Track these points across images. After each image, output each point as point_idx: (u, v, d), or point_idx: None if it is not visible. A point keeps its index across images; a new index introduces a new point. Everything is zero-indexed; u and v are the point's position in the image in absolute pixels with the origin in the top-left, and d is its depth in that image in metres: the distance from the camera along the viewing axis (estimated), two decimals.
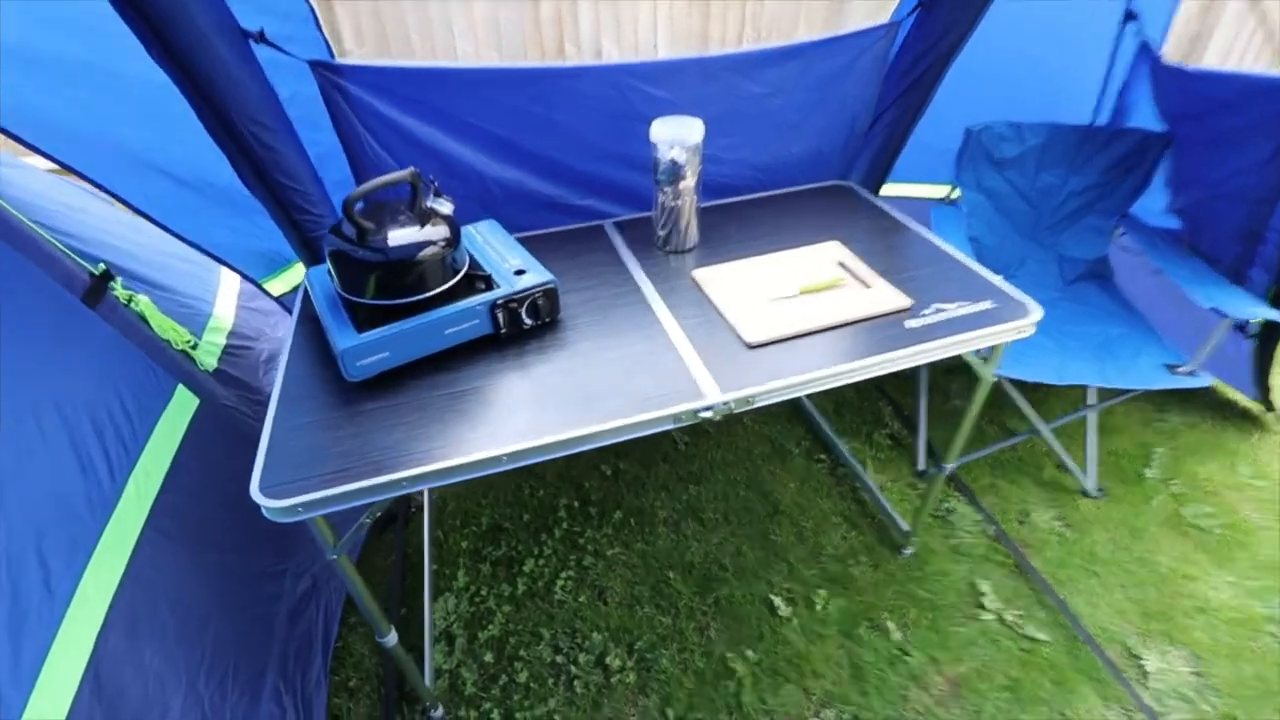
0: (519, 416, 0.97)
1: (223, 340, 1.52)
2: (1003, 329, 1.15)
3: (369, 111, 1.27)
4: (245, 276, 1.54)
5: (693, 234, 1.39)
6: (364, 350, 0.99)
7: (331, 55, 1.21)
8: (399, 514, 1.76)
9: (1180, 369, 1.56)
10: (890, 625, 1.51)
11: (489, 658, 1.45)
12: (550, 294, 1.13)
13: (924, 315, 1.17)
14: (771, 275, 1.27)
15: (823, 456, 1.92)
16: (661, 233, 1.38)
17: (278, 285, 1.63)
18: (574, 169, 1.46)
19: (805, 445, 1.95)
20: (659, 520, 1.73)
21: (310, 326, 1.18)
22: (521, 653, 1.45)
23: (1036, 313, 1.17)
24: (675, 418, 0.99)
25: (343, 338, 1.00)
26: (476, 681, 1.41)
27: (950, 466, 1.47)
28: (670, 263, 1.36)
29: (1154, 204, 1.80)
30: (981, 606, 1.56)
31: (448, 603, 1.55)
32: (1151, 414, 2.08)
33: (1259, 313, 1.45)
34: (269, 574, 1.35)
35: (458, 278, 1.08)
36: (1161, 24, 1.64)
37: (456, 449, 0.92)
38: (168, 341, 1.32)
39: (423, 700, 1.35)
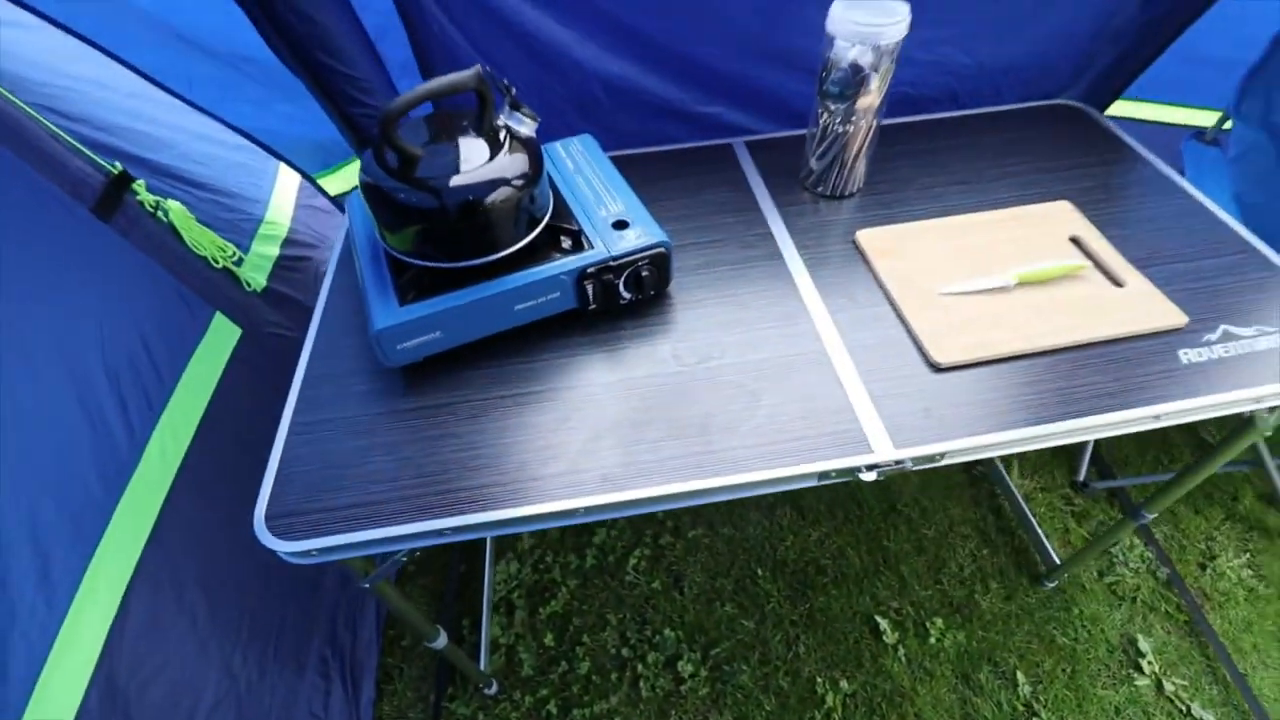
0: (606, 447, 0.71)
1: (275, 251, 1.31)
2: None
3: None
4: (294, 166, 1.30)
5: (860, 174, 1.00)
6: (407, 331, 0.74)
7: None
8: None
9: None
10: (1019, 675, 1.25)
11: (549, 639, 1.31)
12: (659, 260, 0.81)
13: (1206, 343, 0.79)
14: (971, 249, 0.90)
15: None
16: (816, 165, 1.00)
17: (335, 182, 1.38)
18: (705, 63, 1.07)
19: None
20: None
21: (348, 274, 0.93)
22: (585, 638, 1.31)
23: None
24: (819, 475, 0.70)
25: (381, 311, 0.74)
26: (534, 664, 1.28)
27: (1150, 516, 1.12)
28: (823, 211, 1.00)
29: None
30: (1137, 668, 1.27)
31: (511, 565, 1.41)
32: None
33: None
34: None
35: (536, 231, 0.79)
36: None
37: (522, 491, 0.67)
38: (206, 259, 1.12)
39: (474, 680, 1.24)
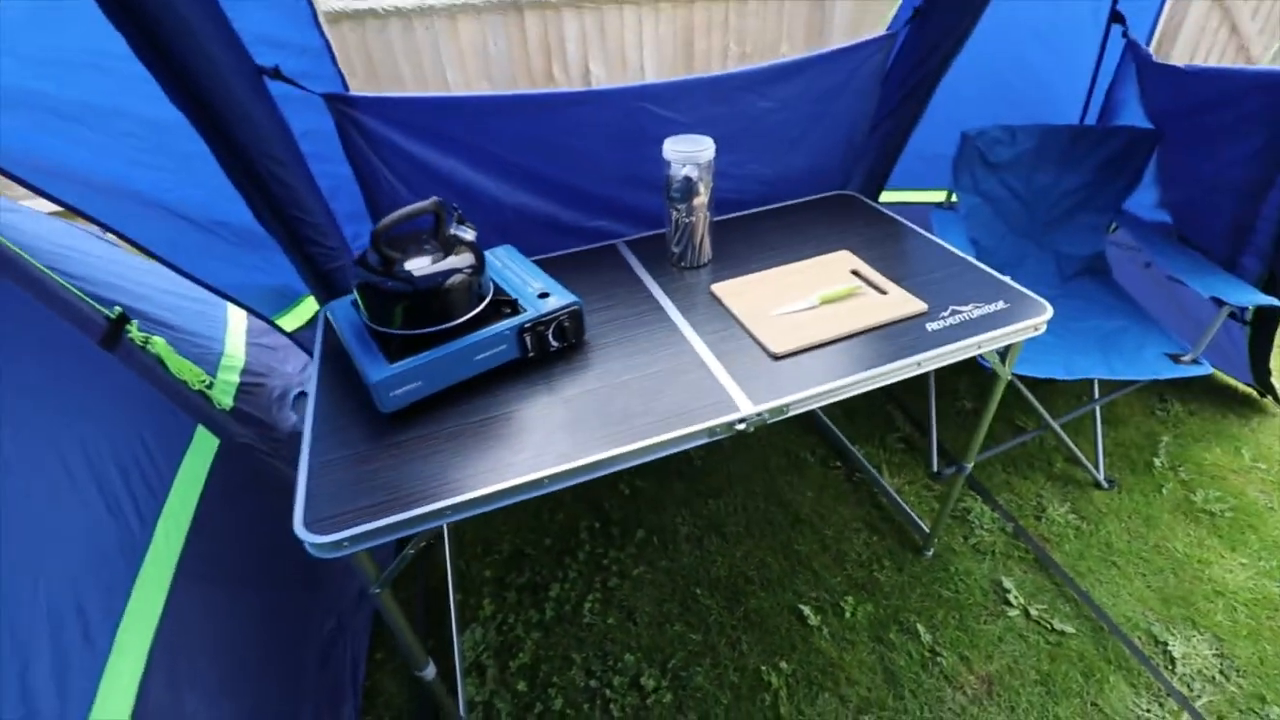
0: (557, 439, 0.98)
1: (236, 378, 1.51)
2: (1018, 328, 1.17)
3: (384, 143, 1.27)
4: (257, 314, 1.53)
5: (706, 249, 1.40)
6: (397, 381, 0.99)
7: (345, 88, 1.22)
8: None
9: (1183, 358, 1.59)
10: (920, 628, 1.51)
11: (522, 686, 1.43)
12: (576, 315, 1.13)
13: (942, 318, 1.19)
14: (788, 286, 1.29)
15: (838, 464, 1.93)
16: (676, 249, 1.39)
17: (290, 320, 1.62)
18: (587, 191, 1.47)
19: (820, 453, 1.96)
20: (681, 537, 1.73)
21: (334, 362, 1.17)
22: (554, 679, 1.44)
23: (1047, 311, 1.20)
24: (710, 431, 1.00)
25: (375, 370, 1.00)
26: (511, 711, 1.39)
27: (969, 466, 1.48)
28: (686, 279, 1.37)
29: (1145, 199, 1.85)
30: (1007, 603, 1.57)
31: (475, 633, 1.54)
32: (1154, 404, 2.12)
33: (1257, 299, 1.49)
34: (296, 615, 1.33)
35: (484, 303, 1.09)
36: (1147, 25, 1.70)
37: (498, 474, 0.92)
38: (185, 382, 1.31)
39: None
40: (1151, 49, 1.70)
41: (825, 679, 1.43)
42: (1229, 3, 4.13)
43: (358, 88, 3.08)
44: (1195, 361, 1.58)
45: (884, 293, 1.26)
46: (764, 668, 1.45)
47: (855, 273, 1.33)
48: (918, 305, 1.21)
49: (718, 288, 1.30)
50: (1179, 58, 4.31)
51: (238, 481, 1.29)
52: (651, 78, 3.51)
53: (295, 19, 1.18)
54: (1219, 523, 1.75)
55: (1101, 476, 1.84)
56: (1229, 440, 2.01)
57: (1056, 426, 1.79)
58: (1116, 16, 1.66)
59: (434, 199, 1.04)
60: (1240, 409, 2.12)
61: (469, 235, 1.10)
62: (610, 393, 1.06)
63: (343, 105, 1.21)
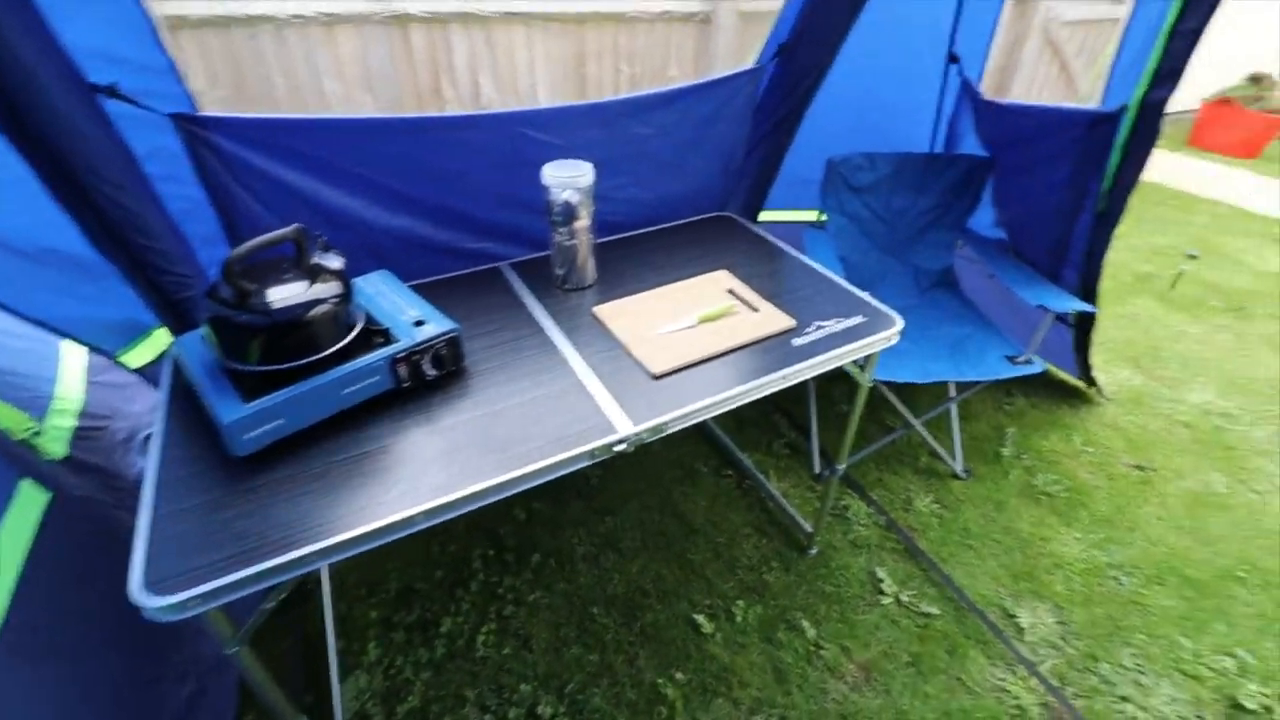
0: (433, 472, 0.96)
1: (71, 423, 1.36)
2: (874, 340, 1.28)
3: (242, 165, 1.20)
4: (97, 350, 1.39)
5: (590, 271, 1.42)
6: (252, 421, 0.94)
7: (194, 107, 1.14)
8: (292, 592, 1.63)
9: (1018, 359, 1.79)
10: (805, 624, 1.60)
11: None
12: (453, 342, 1.12)
13: (807, 333, 1.28)
14: (668, 306, 1.33)
15: (729, 472, 2.01)
16: (560, 272, 1.41)
17: (138, 356, 1.48)
18: (467, 214, 1.45)
19: (713, 463, 2.04)
20: (578, 557, 1.74)
21: (184, 401, 1.09)
22: (446, 719, 1.40)
23: (899, 323, 1.32)
24: (590, 454, 1.01)
25: (226, 409, 0.93)
26: None
27: (841, 468, 1.59)
28: (570, 301, 1.39)
29: (985, 218, 2.07)
30: (881, 592, 1.69)
31: (359, 680, 1.46)
32: (1002, 399, 2.36)
33: (1074, 306, 1.71)
34: (145, 683, 1.21)
35: (353, 334, 1.05)
36: (978, 64, 1.91)
37: (369, 514, 0.88)
38: (4, 431, 1.17)
39: None
40: (985, 84, 1.92)
41: (719, 684, 1.48)
42: (1055, 40, 4.71)
43: (223, 98, 2.87)
44: (1028, 361, 1.78)
45: (756, 310, 1.33)
46: (660, 681, 1.48)
47: (731, 292, 1.40)
48: (786, 321, 1.29)
49: (600, 309, 1.33)
50: (1018, 88, 4.87)
51: (75, 539, 1.16)
52: (543, 95, 3.52)
53: (133, 34, 1.09)
54: (1056, 503, 1.98)
55: (959, 468, 2.03)
56: (1062, 428, 2.27)
57: (919, 425, 1.96)
58: (953, 57, 1.86)
59: (295, 226, 1.00)
60: (1071, 400, 2.41)
61: (335, 263, 1.05)
62: (489, 421, 1.06)
63: (192, 126, 1.13)
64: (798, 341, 1.26)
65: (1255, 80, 5.19)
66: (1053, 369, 2.47)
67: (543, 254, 1.52)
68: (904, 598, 1.68)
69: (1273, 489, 2.08)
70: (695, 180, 1.73)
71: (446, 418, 1.06)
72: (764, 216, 2.04)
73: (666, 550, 1.76)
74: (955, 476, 2.04)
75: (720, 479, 1.99)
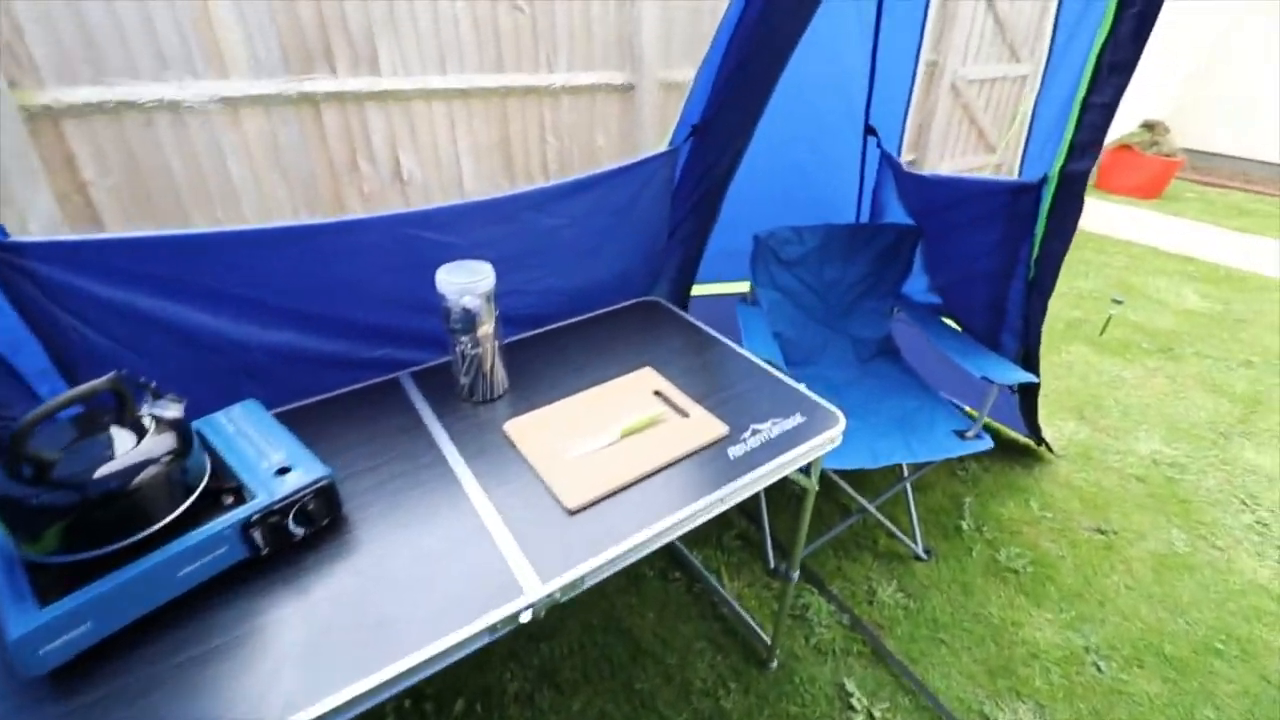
0: (286, 675, 0.76)
1: None
2: (817, 443, 1.16)
3: (72, 293, 1.01)
4: None
5: (500, 379, 1.27)
6: (51, 631, 0.73)
7: (3, 233, 0.96)
8: None
9: (967, 434, 1.71)
10: None
11: None
12: (325, 492, 0.94)
13: (743, 440, 1.15)
14: (589, 417, 1.19)
15: (677, 574, 1.84)
16: (464, 380, 1.25)
17: None
18: (358, 322, 1.29)
19: (659, 566, 1.86)
20: (509, 697, 1.51)
21: None
22: None
23: (841, 421, 1.20)
24: (491, 629, 0.84)
25: (16, 619, 0.73)
26: None
27: (796, 574, 1.45)
28: (479, 415, 1.23)
29: (919, 284, 2.03)
30: (851, 708, 1.53)
31: None
32: (955, 465, 2.29)
33: (1018, 378, 1.64)
34: None
35: (194, 497, 0.86)
36: (895, 134, 1.90)
37: None
38: None
39: None
40: (905, 148, 1.91)
41: None
42: (967, 101, 4.96)
43: (113, 186, 2.64)
44: (977, 437, 1.70)
45: (686, 415, 1.20)
46: None
47: (658, 394, 1.27)
48: (718, 429, 1.16)
49: (512, 426, 1.17)
50: (934, 145, 5.08)
51: None
52: (468, 171, 3.43)
53: None
54: (1023, 579, 1.88)
55: (920, 548, 1.92)
56: (1019, 493, 2.20)
57: (873, 509, 1.85)
58: (870, 130, 1.85)
59: (110, 376, 0.82)
60: (1023, 459, 2.36)
61: (170, 411, 0.87)
62: (369, 589, 0.87)
63: (2, 254, 0.95)
64: (734, 451, 1.13)
65: (1149, 127, 5.59)
66: (1002, 429, 2.42)
67: (448, 358, 1.36)
68: (876, 713, 1.52)
69: (1232, 543, 2.04)
70: (617, 265, 1.63)
71: (317, 588, 0.88)
72: (696, 291, 1.95)
73: (612, 679, 1.56)
74: (917, 558, 1.92)
75: (669, 583, 1.81)
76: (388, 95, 3.09)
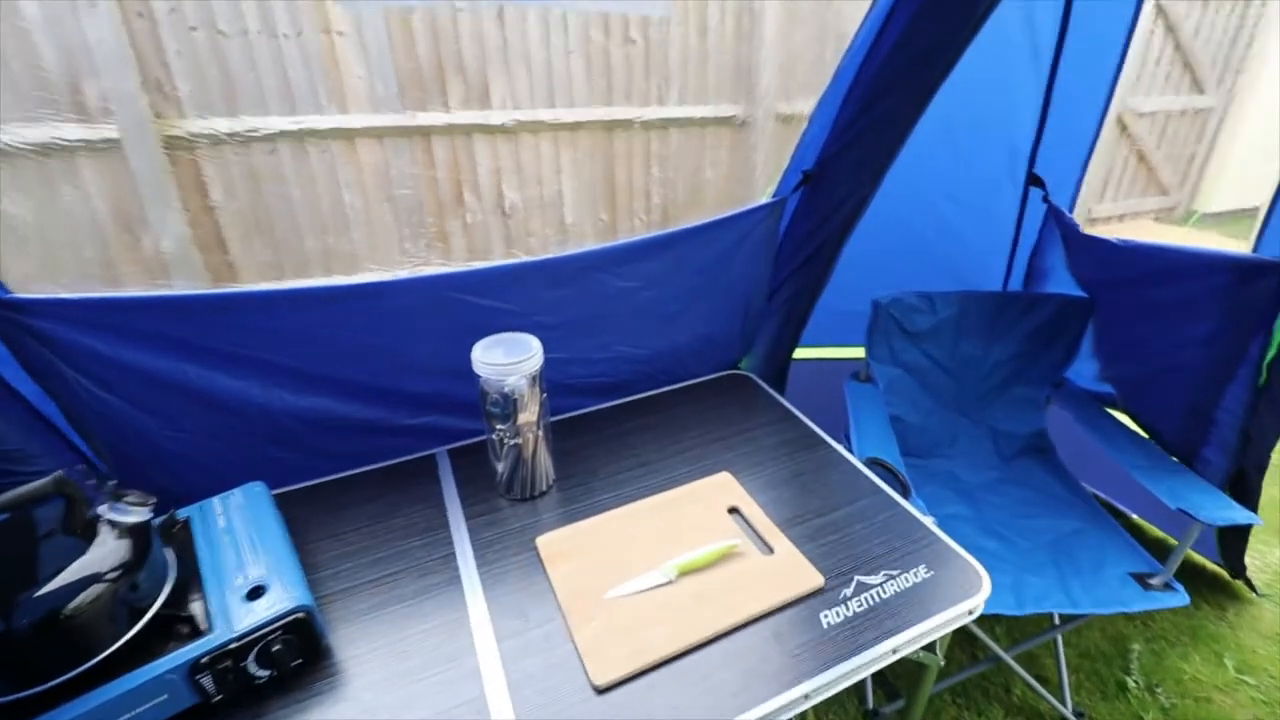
0: None
1: None
2: (948, 617, 0.84)
3: (80, 352, 0.91)
4: None
5: (544, 472, 1.06)
6: None
7: (3, 289, 0.87)
8: None
9: (1153, 582, 1.29)
10: None
11: None
12: (300, 626, 0.76)
13: (844, 600, 0.86)
14: (642, 539, 0.95)
15: None
16: (501, 470, 1.05)
17: None
18: (398, 389, 1.14)
19: None
20: None
21: None
22: None
23: (986, 584, 0.88)
24: None
25: None
26: None
27: None
28: (511, 517, 1.02)
29: (1086, 370, 1.62)
30: None
31: None
32: None
33: (1234, 518, 1.21)
34: None
35: (142, 623, 0.70)
36: (1070, 188, 1.53)
37: None
38: None
39: None
40: (1077, 212, 1.52)
41: None
42: (1137, 135, 4.29)
43: (237, 211, 2.75)
44: (1167, 587, 1.28)
45: (770, 550, 0.92)
46: None
47: (735, 511, 1.00)
48: (811, 578, 0.88)
49: (544, 542, 0.95)
50: (1092, 184, 4.42)
51: None
52: (569, 202, 3.34)
53: None
54: None
55: (1069, 709, 1.49)
56: (1207, 643, 1.69)
57: (1009, 659, 1.45)
58: (1034, 180, 1.49)
59: (55, 476, 0.68)
60: (1213, 594, 1.83)
61: (133, 515, 0.73)
62: None
63: (4, 311, 0.86)
64: (828, 616, 0.84)
65: None
66: (1168, 539, 1.90)
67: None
68: None
69: None
70: (704, 330, 1.38)
71: None
72: (799, 354, 1.66)
73: None
74: None
75: None
76: (495, 129, 3.07)
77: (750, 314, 1.44)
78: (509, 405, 0.97)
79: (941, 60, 0.95)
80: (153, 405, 0.99)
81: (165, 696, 0.69)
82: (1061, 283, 1.58)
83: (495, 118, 3.05)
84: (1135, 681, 1.59)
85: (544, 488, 1.07)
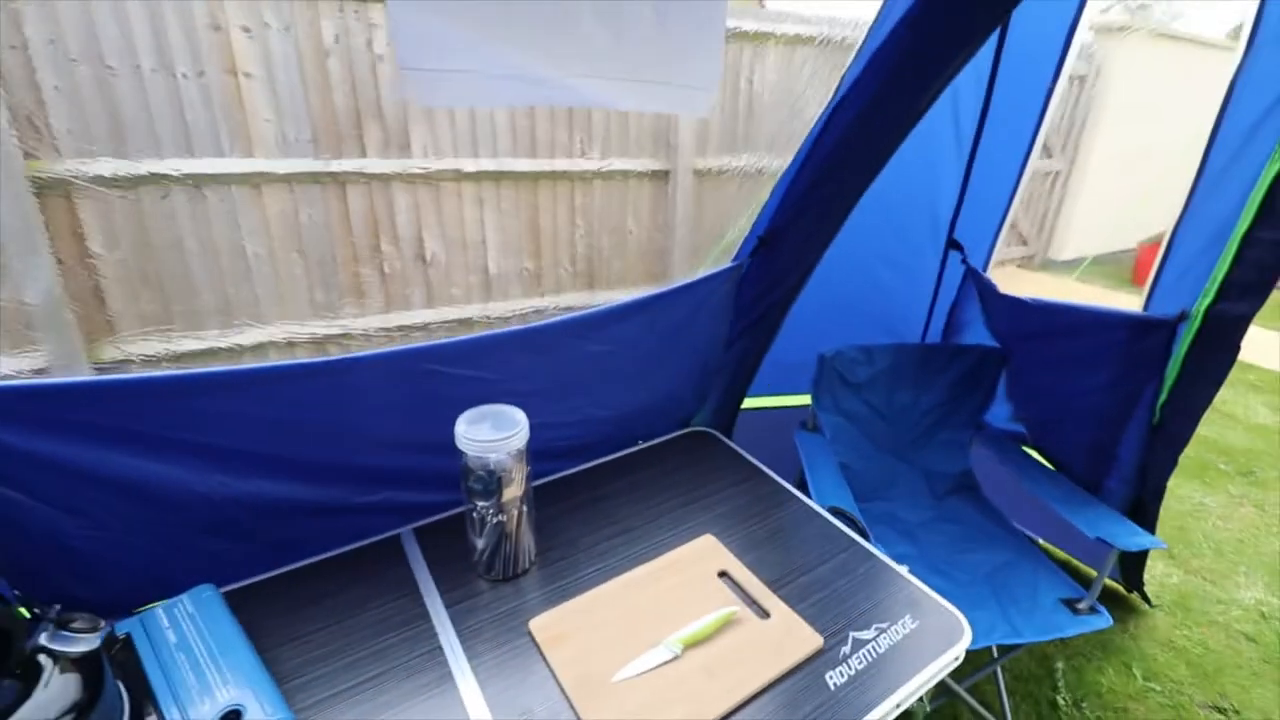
0: None
1: None
2: (938, 666, 0.88)
3: None
4: None
5: (527, 549, 1.02)
6: None
7: None
8: None
9: (1080, 606, 1.42)
10: None
11: None
12: None
13: (844, 659, 0.88)
14: (640, 614, 0.92)
15: None
16: (481, 549, 0.99)
17: None
18: (359, 465, 1.06)
19: None
20: None
21: None
22: None
23: (967, 632, 0.94)
24: None
25: None
26: None
27: None
28: (496, 600, 0.96)
29: (1001, 412, 1.78)
30: None
31: None
32: None
33: (1146, 543, 1.36)
34: None
35: None
36: (984, 250, 1.71)
37: None
38: None
39: None
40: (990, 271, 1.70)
41: None
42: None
43: (120, 261, 2.50)
44: (1093, 610, 1.41)
45: (766, 615, 0.93)
46: None
47: (724, 575, 1.00)
48: (811, 640, 0.89)
49: (538, 625, 0.90)
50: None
51: None
52: (494, 253, 3.29)
53: None
54: None
55: None
56: (1117, 655, 1.87)
57: (963, 692, 1.53)
58: (954, 244, 1.65)
59: None
60: (1115, 609, 1.98)
61: (81, 644, 0.62)
62: None
63: None
64: (833, 677, 0.85)
65: None
66: (1082, 567, 2.10)
67: (460, 508, 1.12)
68: None
69: None
70: (665, 389, 1.40)
71: None
72: (747, 403, 1.71)
73: None
74: None
75: None
76: (416, 177, 2.99)
77: (708, 371, 1.47)
78: (494, 482, 0.92)
79: (896, 135, 1.04)
80: (74, 505, 0.86)
81: None
82: (977, 334, 1.75)
83: (415, 165, 2.98)
84: (1064, 699, 1.72)
85: (526, 565, 1.02)
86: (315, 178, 2.77)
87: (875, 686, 0.84)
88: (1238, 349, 1.17)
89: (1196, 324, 1.21)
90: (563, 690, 0.82)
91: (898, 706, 0.84)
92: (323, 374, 0.92)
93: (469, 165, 3.06)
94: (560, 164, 3.27)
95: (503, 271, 3.36)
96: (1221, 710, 1.73)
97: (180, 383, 0.84)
